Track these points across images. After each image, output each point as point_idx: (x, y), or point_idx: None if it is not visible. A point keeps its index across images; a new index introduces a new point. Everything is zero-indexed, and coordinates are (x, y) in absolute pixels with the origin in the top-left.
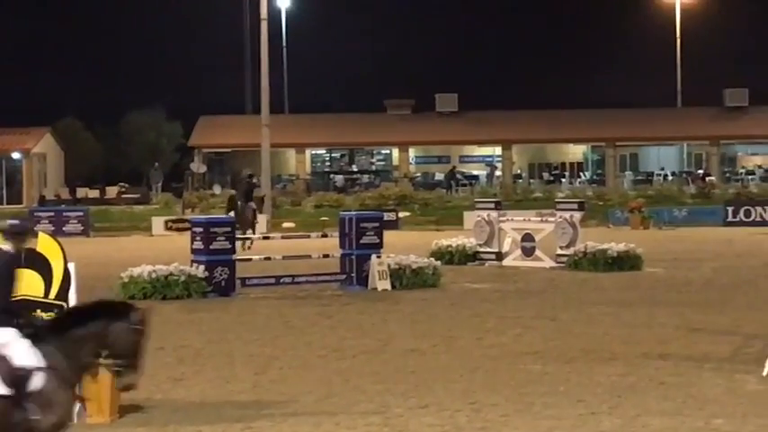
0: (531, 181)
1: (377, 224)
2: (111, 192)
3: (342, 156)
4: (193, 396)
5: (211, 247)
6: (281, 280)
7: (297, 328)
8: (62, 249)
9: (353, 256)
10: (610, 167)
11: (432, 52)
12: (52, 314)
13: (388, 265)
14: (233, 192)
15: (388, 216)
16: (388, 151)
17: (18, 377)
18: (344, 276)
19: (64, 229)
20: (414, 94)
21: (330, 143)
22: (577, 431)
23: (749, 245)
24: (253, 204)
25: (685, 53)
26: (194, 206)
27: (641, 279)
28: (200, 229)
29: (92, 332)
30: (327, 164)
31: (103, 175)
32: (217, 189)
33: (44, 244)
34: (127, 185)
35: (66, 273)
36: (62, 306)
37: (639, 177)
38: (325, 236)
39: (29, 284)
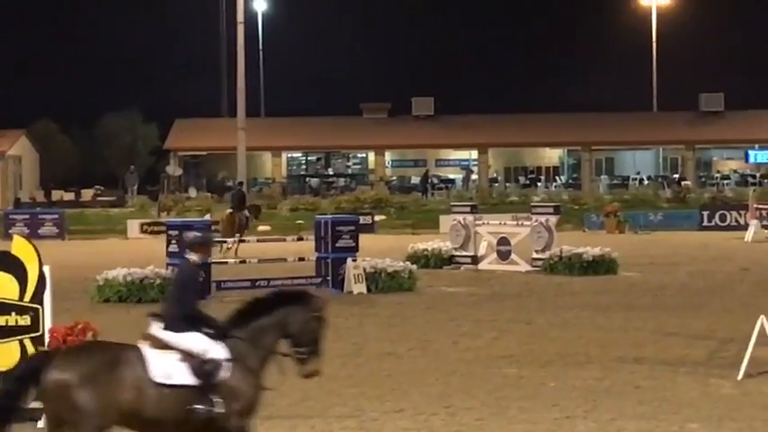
0: (507, 185)
1: (353, 228)
2: (87, 194)
3: (318, 159)
4: None
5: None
6: (257, 283)
7: None
8: (37, 252)
9: (329, 260)
10: (585, 171)
11: (408, 56)
12: (27, 317)
13: (364, 269)
14: (229, 211)
15: (363, 219)
16: (364, 155)
17: (206, 369)
18: (320, 280)
19: (39, 231)
20: (390, 97)
21: (306, 146)
22: None
23: (724, 249)
24: (246, 213)
25: (661, 58)
26: (170, 209)
27: (617, 283)
28: (176, 232)
29: (274, 322)
30: (303, 167)
31: (79, 177)
32: (192, 192)
33: (19, 247)
34: (102, 188)
35: (42, 276)
36: (37, 309)
37: (615, 181)
38: (300, 239)
39: (3, 287)
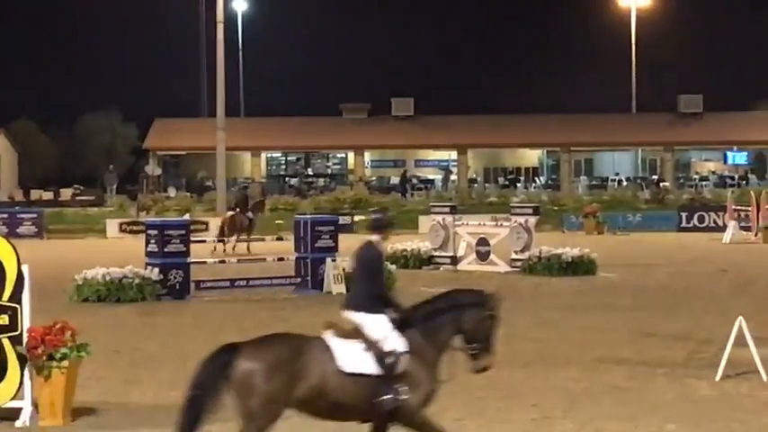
0: (487, 185)
1: (332, 228)
2: (66, 194)
3: (297, 159)
4: (147, 399)
5: (166, 249)
6: (236, 283)
7: (251, 331)
8: (15, 251)
9: (308, 260)
10: (565, 172)
11: (388, 56)
12: (5, 317)
13: (343, 269)
14: (232, 212)
15: (343, 220)
16: (343, 155)
17: (388, 360)
18: (299, 280)
19: (18, 231)
20: (369, 98)
21: (286, 146)
22: None
23: (703, 250)
24: (250, 214)
25: (640, 59)
26: (149, 209)
27: (595, 284)
28: (155, 232)
29: (450, 318)
30: (283, 167)
31: (58, 177)
32: (172, 192)
33: None
34: (81, 187)
35: (20, 275)
36: (15, 308)
37: (594, 182)
38: (280, 239)
39: None
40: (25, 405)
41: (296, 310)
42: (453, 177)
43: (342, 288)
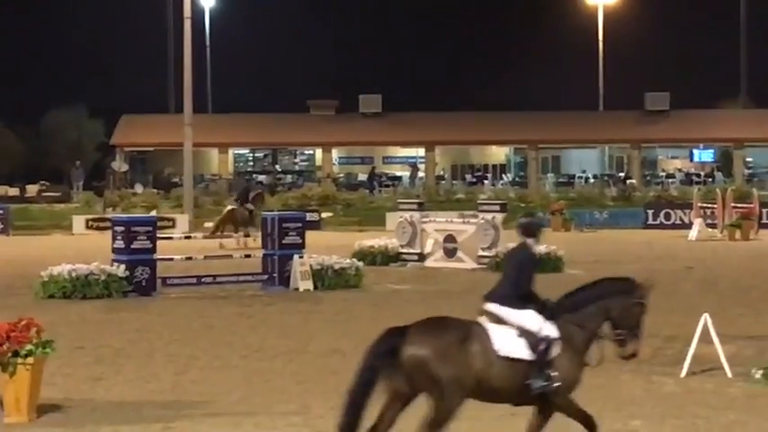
0: (454, 182)
1: (299, 224)
2: (32, 190)
3: (265, 156)
4: (112, 396)
5: (132, 246)
6: (203, 280)
7: (217, 328)
8: None
9: (275, 257)
10: (532, 169)
11: (356, 53)
12: None
13: (311, 266)
14: (233, 207)
15: (310, 216)
16: (311, 152)
17: (540, 346)
18: (266, 276)
19: None
20: (337, 94)
21: (253, 143)
22: None
23: (669, 248)
24: (249, 206)
25: (607, 57)
26: (116, 205)
27: (562, 281)
28: (122, 228)
29: (601, 306)
30: (250, 164)
31: (24, 173)
32: (138, 188)
33: None
34: (48, 184)
35: None
36: None
37: (561, 180)
38: (247, 236)
39: None
40: None
41: (263, 307)
42: (421, 174)
43: (309, 285)
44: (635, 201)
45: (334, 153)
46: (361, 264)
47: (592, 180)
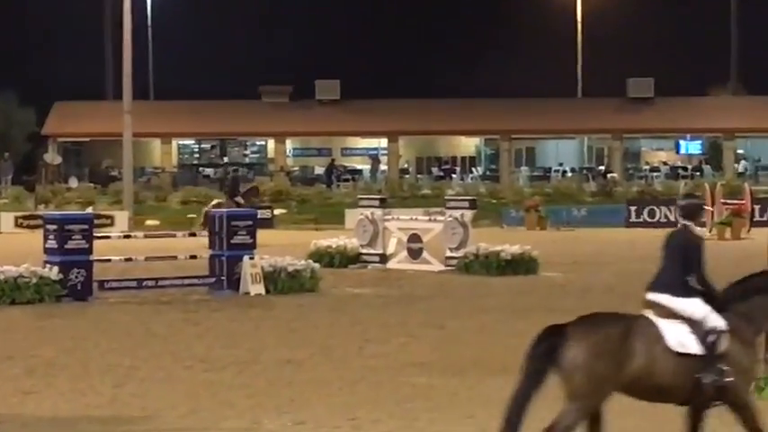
0: (419, 176)
1: (250, 222)
2: None
3: (212, 147)
4: (45, 411)
5: (66, 246)
6: (144, 283)
7: (160, 336)
8: None
9: (224, 258)
10: (504, 162)
11: (312, 35)
12: None
13: (262, 268)
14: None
15: (262, 214)
16: (262, 142)
17: (709, 338)
18: (214, 280)
19: None
20: (291, 80)
21: (199, 133)
22: None
23: (653, 248)
24: (239, 199)
25: (586, 39)
26: (48, 201)
27: (537, 284)
28: (55, 227)
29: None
30: (196, 156)
31: None
32: (73, 182)
33: None
34: None
35: None
36: None
37: (536, 173)
38: (192, 235)
39: None
40: None
41: (210, 313)
42: (383, 167)
43: (260, 288)
44: (616, 196)
45: (288, 144)
46: (317, 265)
47: (569, 174)
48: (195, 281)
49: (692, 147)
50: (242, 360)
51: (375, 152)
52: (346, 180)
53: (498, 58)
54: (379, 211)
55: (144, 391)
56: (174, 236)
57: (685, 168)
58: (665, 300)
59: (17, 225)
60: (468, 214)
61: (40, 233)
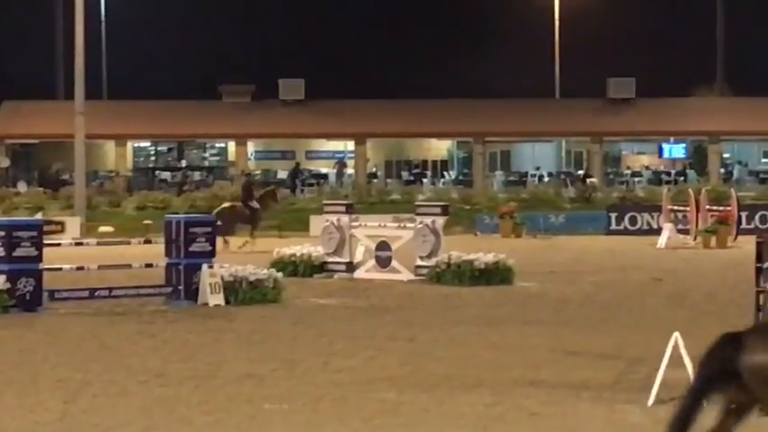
0: (388, 181)
1: (209, 229)
2: None
3: (169, 149)
4: None
5: (14, 254)
6: (97, 293)
7: (114, 348)
8: None
9: (181, 266)
10: (478, 166)
11: (275, 32)
12: None
13: (222, 277)
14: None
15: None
16: (223, 145)
17: None
18: (170, 289)
19: None
20: (253, 79)
21: (155, 135)
22: None
23: (634, 257)
24: (254, 204)
25: (565, 37)
26: None
27: (512, 294)
28: (1, 234)
29: None
30: (152, 159)
31: None
32: (22, 187)
33: None
34: None
35: None
36: None
37: (511, 178)
38: (148, 242)
39: None
40: None
41: (166, 324)
42: (350, 171)
43: (220, 299)
44: (596, 202)
45: (250, 146)
46: (280, 275)
47: (546, 179)
48: (151, 291)
49: (676, 150)
50: (200, 374)
51: (342, 155)
52: (311, 185)
53: (472, 57)
54: (345, 218)
55: (96, 407)
56: (129, 243)
57: (668, 173)
58: None
59: None
60: (440, 221)
61: None
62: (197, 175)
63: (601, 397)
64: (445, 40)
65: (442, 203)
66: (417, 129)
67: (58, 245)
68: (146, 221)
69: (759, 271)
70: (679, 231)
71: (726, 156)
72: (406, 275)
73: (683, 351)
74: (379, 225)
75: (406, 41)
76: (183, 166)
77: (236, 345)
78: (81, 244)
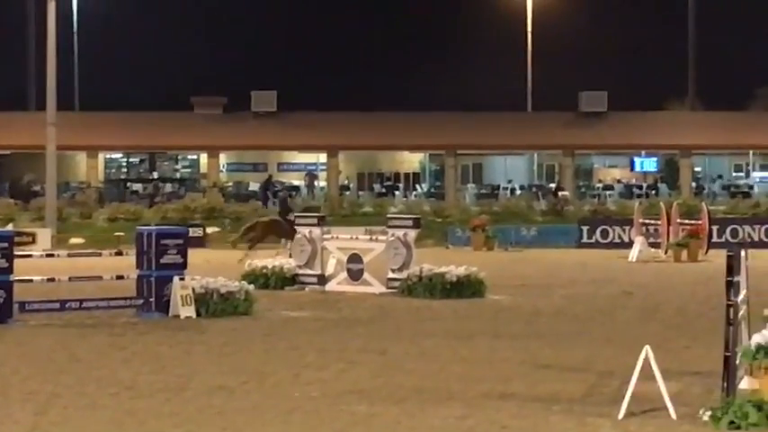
0: (360, 193)
1: (180, 241)
2: None
3: (141, 161)
4: None
5: None
6: (67, 305)
7: (84, 360)
8: None
9: (152, 278)
10: (450, 179)
11: (247, 43)
12: None
13: (193, 289)
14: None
15: (193, 232)
16: (195, 156)
17: None
18: (141, 301)
19: None
20: (226, 91)
21: (127, 146)
22: None
23: (605, 270)
24: (291, 217)
25: (537, 51)
26: None
27: (483, 307)
28: None
29: None
30: (124, 170)
31: None
32: None
33: None
34: None
35: None
36: None
37: (483, 191)
38: (119, 254)
39: None
40: None
41: (137, 336)
42: (322, 183)
43: (191, 311)
44: (567, 216)
45: (222, 158)
46: (251, 287)
47: (518, 192)
48: (122, 302)
49: (648, 164)
50: (171, 387)
51: (314, 167)
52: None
53: (444, 70)
54: (317, 230)
55: (66, 420)
56: (100, 255)
57: (640, 187)
58: None
59: None
60: (412, 234)
61: None
62: (169, 187)
63: (571, 410)
64: (418, 53)
65: (413, 216)
66: (389, 141)
67: (29, 256)
68: (117, 233)
69: (730, 285)
70: (650, 245)
71: (697, 169)
72: (377, 288)
73: (653, 364)
74: (351, 237)
75: (379, 54)
76: (155, 177)
77: (207, 357)
78: (52, 255)
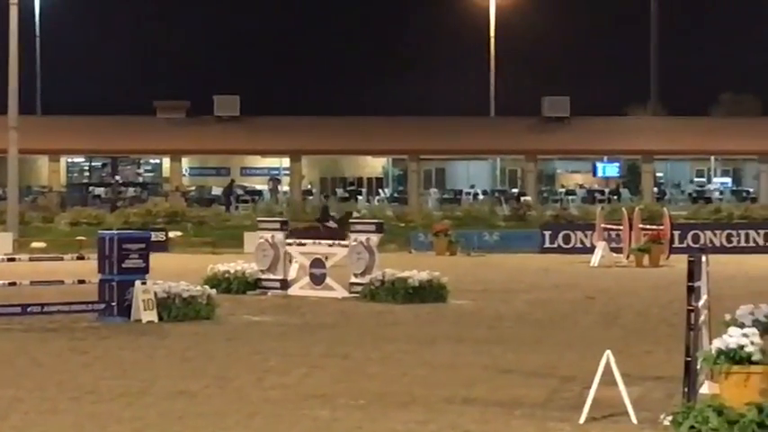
0: (323, 197)
1: (143, 245)
2: None
3: (103, 165)
4: None
5: None
6: (29, 309)
7: (45, 365)
8: None
9: (114, 283)
10: (413, 184)
11: (210, 48)
12: None
13: (155, 294)
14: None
15: (156, 236)
16: (157, 161)
17: None
18: (103, 306)
19: None
20: (188, 95)
21: (89, 150)
22: None
23: (568, 275)
24: (331, 224)
25: (499, 56)
26: None
27: (446, 312)
28: None
29: None
30: (86, 174)
31: None
32: None
33: None
34: None
35: None
36: None
37: (446, 196)
38: (81, 258)
39: None
40: None
41: (99, 341)
42: (285, 188)
43: (153, 315)
44: (530, 221)
45: (185, 162)
46: (214, 291)
47: (481, 197)
48: (83, 307)
49: (610, 169)
50: (132, 391)
51: (277, 172)
52: (245, 201)
53: (407, 75)
54: (280, 235)
55: (27, 424)
56: (62, 259)
57: (602, 192)
58: None
59: None
60: (375, 238)
61: None
62: (131, 191)
63: (533, 414)
64: (381, 58)
65: (376, 221)
66: (353, 146)
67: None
68: (79, 237)
69: (691, 290)
70: (612, 250)
71: (659, 175)
72: (340, 293)
73: (614, 369)
74: (314, 242)
75: (342, 59)
76: (117, 181)
77: (168, 361)
78: (13, 260)
